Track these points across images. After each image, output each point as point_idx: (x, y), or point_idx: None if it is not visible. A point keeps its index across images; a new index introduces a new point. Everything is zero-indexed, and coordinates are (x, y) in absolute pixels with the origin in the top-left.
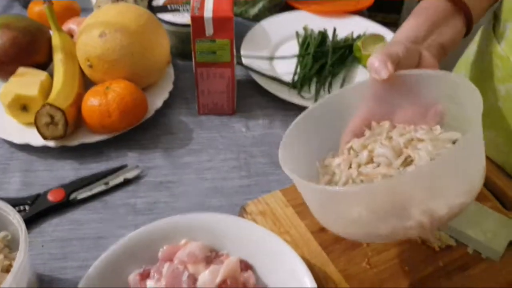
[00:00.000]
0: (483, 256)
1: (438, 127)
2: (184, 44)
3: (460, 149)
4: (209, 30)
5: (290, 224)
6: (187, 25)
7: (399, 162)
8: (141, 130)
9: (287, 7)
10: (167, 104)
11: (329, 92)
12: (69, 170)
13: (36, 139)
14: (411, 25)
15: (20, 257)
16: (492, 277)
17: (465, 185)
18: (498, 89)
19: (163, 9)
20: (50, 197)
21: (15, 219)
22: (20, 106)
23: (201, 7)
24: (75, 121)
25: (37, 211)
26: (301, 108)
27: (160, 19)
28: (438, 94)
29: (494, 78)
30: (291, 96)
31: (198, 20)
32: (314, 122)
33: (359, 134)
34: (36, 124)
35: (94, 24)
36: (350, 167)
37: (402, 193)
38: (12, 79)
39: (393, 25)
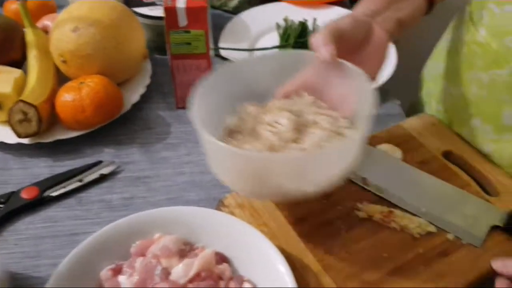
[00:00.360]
0: (464, 242)
1: (344, 120)
2: (160, 37)
3: (329, 152)
4: (182, 21)
5: (268, 215)
6: (163, 18)
7: (289, 137)
8: (117, 125)
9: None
10: (144, 98)
11: None
12: (44, 168)
13: (10, 137)
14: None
15: None
16: (472, 263)
17: (323, 181)
18: (481, 77)
19: (139, 2)
20: (24, 195)
21: None
22: None
23: None
24: (50, 117)
25: (10, 209)
26: None
27: (135, 13)
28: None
29: (475, 67)
30: None
31: (171, 11)
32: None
33: (288, 96)
34: (9, 121)
35: (67, 19)
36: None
37: (264, 168)
38: None
39: None
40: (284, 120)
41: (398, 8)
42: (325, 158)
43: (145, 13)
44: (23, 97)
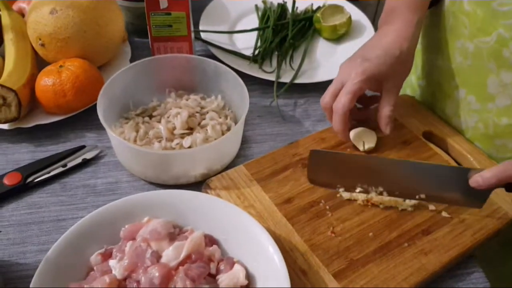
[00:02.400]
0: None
1: (228, 122)
2: (140, 20)
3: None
4: (163, 2)
5: (255, 197)
6: (142, 0)
7: (178, 133)
8: None
9: None
10: None
11: (290, 65)
12: (25, 153)
13: None
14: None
15: None
16: (455, 240)
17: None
18: (466, 46)
19: None
20: (6, 181)
21: None
22: None
23: None
24: (30, 102)
25: None
26: (263, 82)
27: None
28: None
29: (461, 36)
30: (252, 70)
31: None
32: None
33: None
34: None
35: (44, 1)
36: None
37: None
38: None
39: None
40: (179, 118)
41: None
42: (198, 155)
43: None
44: (1, 82)
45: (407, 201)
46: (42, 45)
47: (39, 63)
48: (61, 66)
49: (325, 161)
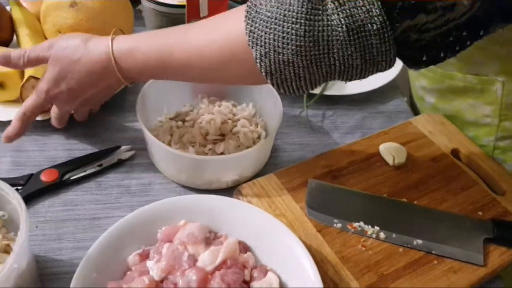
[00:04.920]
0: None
1: (259, 131)
2: (173, 25)
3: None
4: (203, 11)
5: (286, 206)
6: (177, 6)
7: (211, 139)
8: (133, 113)
9: None
10: None
11: None
12: (61, 151)
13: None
14: None
15: (22, 237)
16: (484, 259)
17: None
18: None
19: None
20: (43, 178)
21: (15, 198)
22: None
23: None
24: None
25: (30, 191)
26: None
27: (150, 0)
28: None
29: None
30: None
31: (193, 1)
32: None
33: None
34: (22, 98)
35: None
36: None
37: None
38: None
39: None
40: (213, 124)
41: None
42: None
43: (159, 0)
44: (33, 74)
45: None
46: None
47: None
48: None
49: (323, 192)
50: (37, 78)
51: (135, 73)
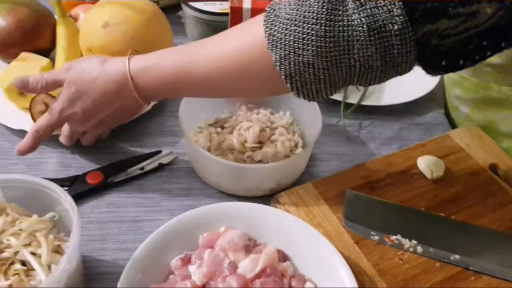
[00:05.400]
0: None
1: (296, 139)
2: (214, 33)
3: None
4: (247, 19)
5: (323, 216)
6: (218, 14)
7: (249, 146)
8: (172, 118)
9: None
10: None
11: (356, 86)
12: (104, 154)
13: (30, 126)
14: None
15: (74, 239)
16: None
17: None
18: None
19: None
20: (89, 179)
21: (67, 201)
22: (19, 91)
23: None
24: None
25: (76, 193)
26: (328, 100)
27: (191, 7)
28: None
29: None
30: None
31: (236, 11)
32: None
33: None
34: (30, 110)
35: (98, 14)
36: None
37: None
38: (14, 63)
39: None
40: (251, 132)
41: None
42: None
43: (200, 7)
44: None
45: None
46: None
47: None
48: None
49: (360, 204)
50: (48, 94)
51: (152, 91)
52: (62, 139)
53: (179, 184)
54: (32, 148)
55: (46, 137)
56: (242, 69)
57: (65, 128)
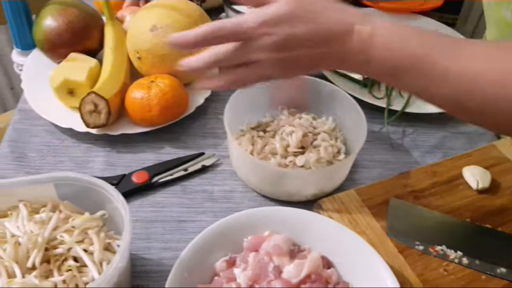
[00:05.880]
0: None
1: (339, 146)
2: None
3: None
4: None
5: (366, 224)
6: None
7: (291, 151)
8: (214, 120)
9: (356, 4)
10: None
11: (400, 94)
12: (150, 154)
13: (79, 125)
14: None
15: (126, 238)
16: None
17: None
18: None
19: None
20: (135, 179)
21: (119, 200)
22: (68, 90)
23: None
24: (118, 111)
25: (123, 191)
26: (371, 107)
27: (235, 11)
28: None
29: None
30: (363, 95)
31: None
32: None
33: None
34: (80, 110)
35: (146, 17)
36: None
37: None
38: (63, 63)
39: (451, 26)
40: (294, 137)
41: None
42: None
43: (243, 11)
44: (95, 89)
45: None
46: (139, 58)
47: (132, 72)
48: (152, 81)
49: (405, 213)
50: (98, 95)
51: (379, 58)
52: (222, 79)
53: (221, 186)
54: (194, 44)
55: (212, 62)
56: (496, 95)
57: (241, 71)
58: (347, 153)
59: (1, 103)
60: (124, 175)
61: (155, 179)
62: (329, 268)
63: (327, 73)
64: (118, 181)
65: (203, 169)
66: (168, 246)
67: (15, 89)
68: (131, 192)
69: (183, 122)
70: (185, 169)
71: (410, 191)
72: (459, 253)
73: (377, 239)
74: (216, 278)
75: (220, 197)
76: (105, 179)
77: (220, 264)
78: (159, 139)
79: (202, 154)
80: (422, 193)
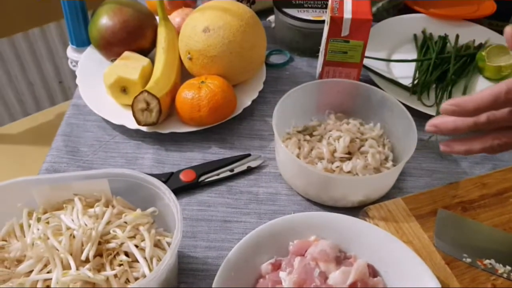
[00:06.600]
0: None
1: (387, 153)
2: (306, 40)
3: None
4: (345, 30)
5: (413, 234)
6: (311, 21)
7: (338, 156)
8: (261, 122)
9: (405, 10)
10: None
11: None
12: (197, 153)
13: (130, 122)
14: None
15: (178, 235)
16: None
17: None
18: None
19: (288, 3)
20: (182, 177)
21: (171, 198)
22: (121, 88)
23: (340, 8)
24: (169, 109)
25: (171, 189)
26: (421, 115)
27: (284, 13)
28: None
29: None
30: (411, 102)
31: (336, 21)
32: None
33: None
34: (132, 108)
35: (199, 18)
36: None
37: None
38: (117, 61)
39: (502, 34)
40: (341, 142)
41: None
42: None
43: (293, 14)
44: (147, 88)
45: None
46: (190, 59)
47: (183, 73)
48: (202, 82)
49: (453, 224)
50: (150, 93)
51: None
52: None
53: (266, 188)
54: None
55: (472, 127)
56: None
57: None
58: (394, 161)
59: (49, 97)
60: (172, 173)
61: (201, 178)
62: (375, 276)
63: (375, 78)
64: (166, 179)
65: (249, 171)
66: (213, 245)
67: (63, 83)
68: (179, 190)
69: (230, 123)
70: (231, 170)
71: (458, 202)
72: (508, 267)
73: (423, 250)
74: (261, 280)
75: (265, 199)
76: (154, 176)
77: (266, 266)
78: (207, 139)
79: (248, 155)
80: (470, 205)
